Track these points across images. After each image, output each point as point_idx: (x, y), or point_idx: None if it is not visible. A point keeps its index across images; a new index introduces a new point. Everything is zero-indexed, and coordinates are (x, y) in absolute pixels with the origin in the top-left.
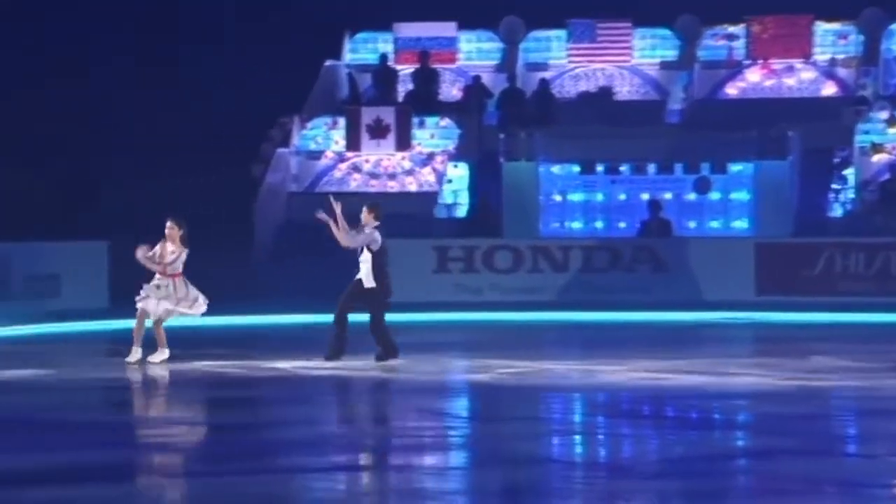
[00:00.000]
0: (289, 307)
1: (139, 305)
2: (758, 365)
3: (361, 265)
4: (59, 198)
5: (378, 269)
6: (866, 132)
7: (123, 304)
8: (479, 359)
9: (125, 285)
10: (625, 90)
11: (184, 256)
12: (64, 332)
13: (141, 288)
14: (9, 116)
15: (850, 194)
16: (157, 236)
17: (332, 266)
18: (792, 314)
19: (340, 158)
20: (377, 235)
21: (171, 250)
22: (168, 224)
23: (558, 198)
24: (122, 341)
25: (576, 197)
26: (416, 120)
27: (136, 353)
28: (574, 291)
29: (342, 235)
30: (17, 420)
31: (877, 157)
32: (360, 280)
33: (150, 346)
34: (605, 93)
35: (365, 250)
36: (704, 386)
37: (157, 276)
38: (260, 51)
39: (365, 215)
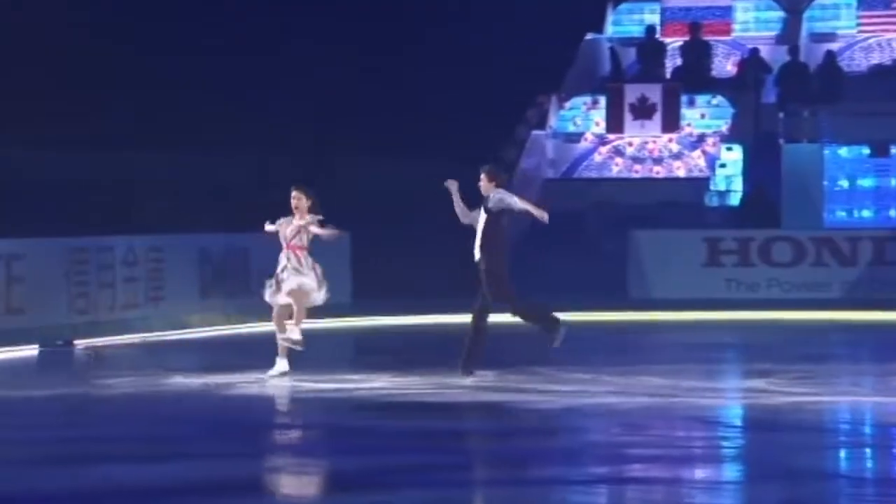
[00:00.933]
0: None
1: (269, 301)
2: None
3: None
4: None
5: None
6: None
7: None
8: (753, 362)
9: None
10: None
11: (313, 229)
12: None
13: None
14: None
15: None
16: (399, 225)
17: (593, 261)
18: None
19: (601, 141)
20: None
21: (296, 225)
22: (294, 194)
23: (845, 183)
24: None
25: (866, 182)
26: (685, 98)
27: (280, 365)
28: (863, 288)
29: (527, 205)
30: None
31: None
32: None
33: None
34: None
35: (483, 212)
36: None
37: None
38: (513, 25)
39: (484, 183)
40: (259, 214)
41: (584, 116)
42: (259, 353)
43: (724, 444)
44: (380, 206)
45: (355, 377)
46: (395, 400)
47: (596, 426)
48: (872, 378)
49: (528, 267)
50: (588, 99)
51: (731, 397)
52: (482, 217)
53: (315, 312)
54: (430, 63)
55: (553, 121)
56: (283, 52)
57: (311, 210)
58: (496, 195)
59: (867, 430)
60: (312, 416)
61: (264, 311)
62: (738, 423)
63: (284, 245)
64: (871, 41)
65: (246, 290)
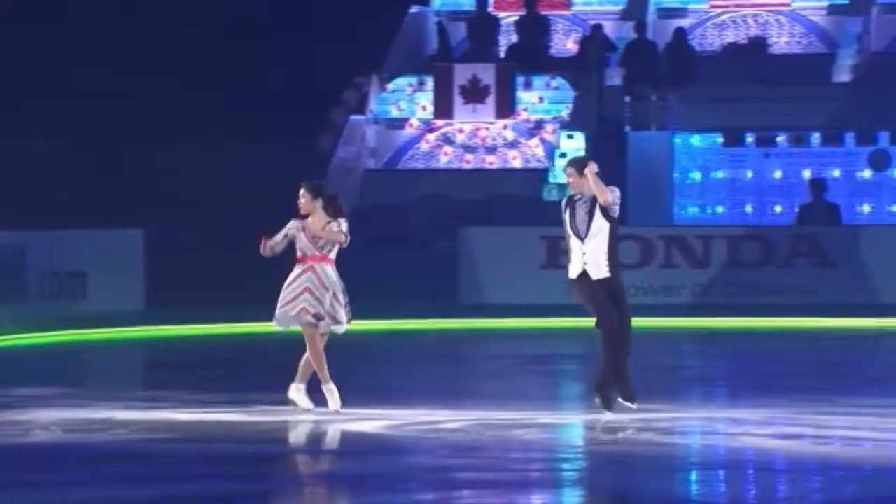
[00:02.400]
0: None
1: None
2: None
3: (586, 245)
4: (84, 180)
5: (614, 248)
6: None
7: (161, 306)
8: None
9: (163, 283)
10: (782, 41)
11: (336, 235)
12: (90, 340)
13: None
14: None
15: None
16: (196, 222)
17: (418, 259)
18: None
19: (427, 128)
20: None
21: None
22: (301, 192)
23: (697, 176)
24: (159, 350)
25: (719, 174)
26: (520, 80)
27: (298, 393)
28: (716, 292)
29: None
30: None
31: None
32: (584, 274)
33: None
34: (758, 45)
35: (598, 215)
36: None
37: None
38: None
39: (575, 179)
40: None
41: (409, 100)
42: (36, 369)
43: (564, 466)
44: (177, 201)
45: (146, 395)
46: (190, 420)
47: (422, 448)
48: (725, 391)
49: (344, 269)
50: (413, 80)
51: (571, 415)
52: (598, 222)
53: (102, 321)
54: (234, 39)
55: (373, 104)
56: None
57: (332, 211)
58: (614, 193)
59: (715, 450)
60: (95, 442)
61: (44, 321)
62: (580, 443)
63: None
64: (724, 17)
65: (22, 297)
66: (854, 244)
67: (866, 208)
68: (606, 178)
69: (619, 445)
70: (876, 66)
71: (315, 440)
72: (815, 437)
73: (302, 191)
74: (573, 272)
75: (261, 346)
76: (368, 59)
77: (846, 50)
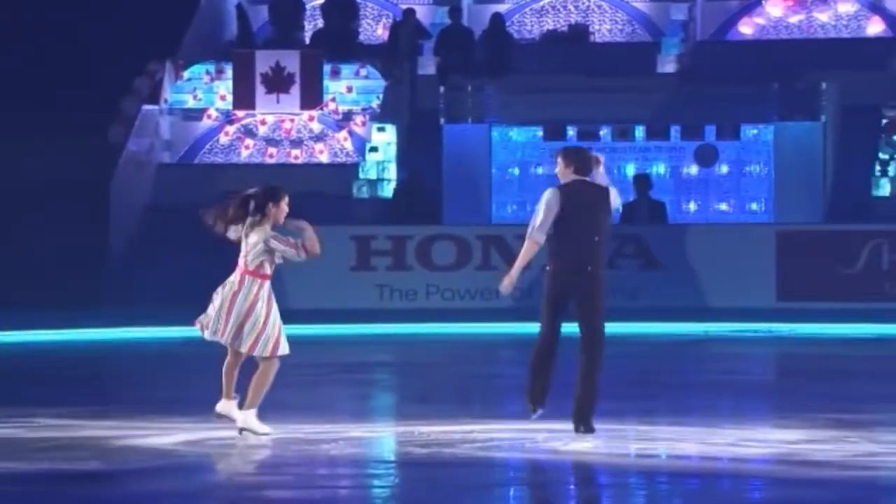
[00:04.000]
0: (156, 317)
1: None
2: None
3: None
4: None
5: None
6: None
7: None
8: (410, 385)
9: None
10: (604, 29)
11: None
12: None
13: None
14: None
15: None
16: None
17: (215, 261)
18: (824, 326)
19: (227, 119)
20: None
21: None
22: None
23: (516, 171)
24: None
25: (540, 170)
26: (327, 68)
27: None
28: (538, 295)
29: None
30: None
31: None
32: None
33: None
34: (579, 33)
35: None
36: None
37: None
38: None
39: (561, 168)
40: None
41: (206, 89)
42: None
43: (374, 483)
44: None
45: None
46: None
47: (221, 465)
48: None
49: (141, 269)
50: (210, 67)
51: (383, 428)
52: (603, 213)
53: None
54: (16, 21)
55: (168, 93)
56: None
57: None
58: (609, 184)
59: (533, 464)
60: None
61: None
62: (391, 458)
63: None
64: (543, 3)
65: None
66: (680, 244)
67: (692, 206)
68: (422, 172)
69: (433, 460)
70: (702, 56)
71: (103, 457)
72: (639, 448)
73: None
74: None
75: (39, 355)
76: (163, 44)
77: (671, 39)
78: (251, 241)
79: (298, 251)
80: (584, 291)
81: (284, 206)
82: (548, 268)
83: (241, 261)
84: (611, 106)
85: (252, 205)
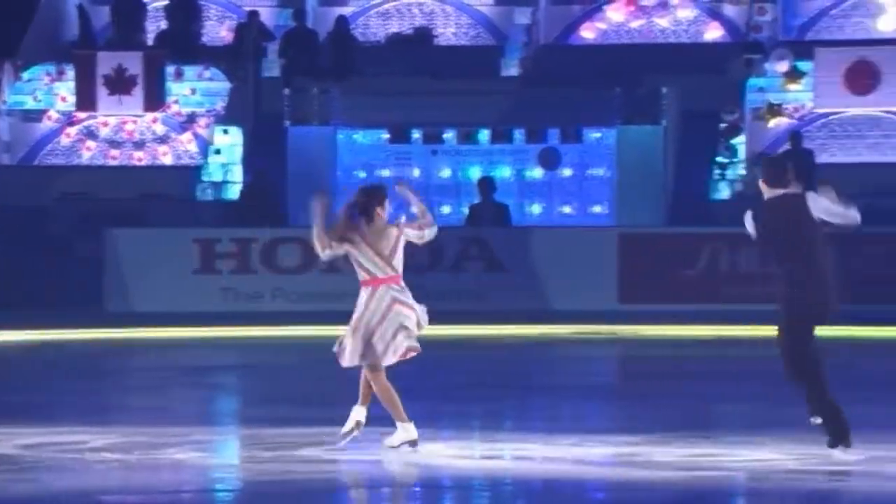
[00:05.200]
0: (7, 320)
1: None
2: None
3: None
4: None
5: None
6: (760, 89)
7: None
8: (255, 389)
9: None
10: (448, 32)
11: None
12: None
13: None
14: None
15: (740, 170)
16: None
17: (59, 264)
18: (665, 327)
19: (68, 121)
20: None
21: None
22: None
23: (361, 174)
24: None
25: (384, 173)
26: (171, 70)
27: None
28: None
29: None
30: None
31: (774, 122)
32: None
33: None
34: (423, 36)
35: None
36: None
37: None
38: None
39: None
40: None
41: (46, 90)
42: None
43: (218, 487)
44: None
45: None
46: None
47: (63, 470)
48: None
49: None
50: (51, 68)
51: (227, 431)
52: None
53: None
54: None
55: (6, 95)
56: None
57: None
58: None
59: (377, 468)
60: None
61: None
62: (236, 462)
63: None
64: (388, 6)
65: None
66: (524, 247)
67: (537, 208)
68: (267, 175)
69: (278, 463)
70: (545, 60)
71: None
72: (483, 450)
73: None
74: None
75: None
76: (2, 44)
77: (515, 42)
78: (387, 246)
79: (431, 224)
80: None
81: (388, 205)
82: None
83: (378, 272)
84: (455, 109)
85: (357, 210)
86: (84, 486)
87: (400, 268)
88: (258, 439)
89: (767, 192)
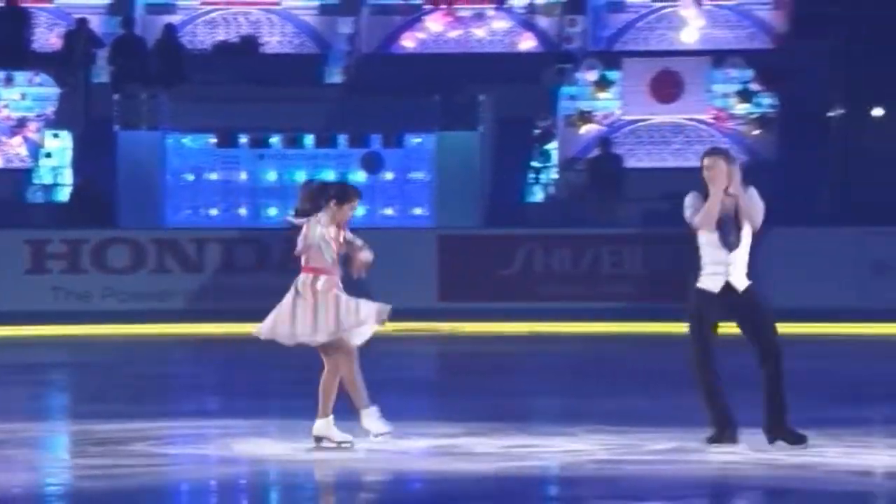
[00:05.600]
0: None
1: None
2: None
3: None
4: None
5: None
6: (571, 97)
7: None
8: (85, 386)
9: None
10: (274, 40)
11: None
12: None
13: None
14: None
15: (553, 175)
16: None
17: None
18: (483, 325)
19: None
20: None
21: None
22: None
23: (190, 177)
24: None
25: (212, 176)
26: (1, 76)
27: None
28: (210, 297)
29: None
30: None
31: (584, 129)
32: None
33: None
34: (249, 44)
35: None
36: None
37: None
38: None
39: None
40: None
41: None
42: None
43: (48, 482)
44: None
45: None
46: None
47: None
48: (218, 400)
49: None
50: None
51: (57, 427)
52: (746, 229)
53: None
54: None
55: None
56: None
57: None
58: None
59: (206, 462)
60: None
61: None
62: (66, 457)
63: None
64: (214, 15)
65: None
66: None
67: (360, 211)
68: (95, 178)
69: (105, 458)
70: (367, 68)
71: None
72: (308, 445)
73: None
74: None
75: None
76: None
77: (338, 51)
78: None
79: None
80: None
81: (348, 209)
82: None
83: (332, 264)
84: (281, 115)
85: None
86: None
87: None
88: (88, 435)
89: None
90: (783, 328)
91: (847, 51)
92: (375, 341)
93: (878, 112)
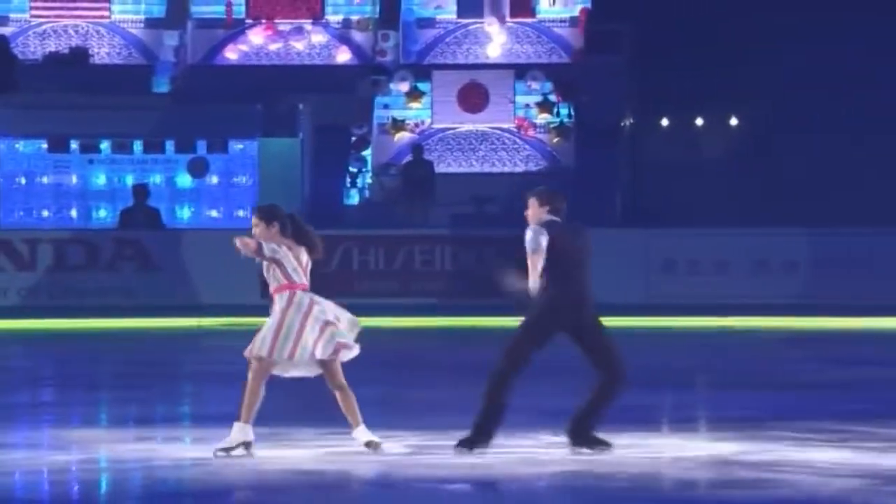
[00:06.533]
0: None
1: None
2: None
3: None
4: None
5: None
6: (385, 106)
7: None
8: None
9: None
10: (103, 52)
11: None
12: None
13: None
14: None
15: (369, 179)
16: None
17: None
18: None
19: None
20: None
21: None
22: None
23: (23, 180)
24: None
25: (44, 179)
26: None
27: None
28: (43, 294)
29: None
30: None
31: (398, 136)
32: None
33: None
34: (79, 55)
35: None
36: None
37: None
38: None
39: (534, 209)
40: None
41: None
42: None
43: None
44: None
45: None
46: None
47: None
48: (53, 393)
49: None
50: None
51: None
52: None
53: None
54: None
55: None
56: None
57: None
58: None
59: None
60: None
61: None
62: None
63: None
64: (45, 27)
65: None
66: (175, 247)
67: (187, 213)
68: None
69: None
70: (193, 78)
71: None
72: (139, 434)
73: (254, 219)
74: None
75: None
76: None
77: (165, 62)
78: (303, 257)
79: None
80: None
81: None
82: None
83: (296, 279)
84: (111, 122)
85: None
86: None
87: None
88: None
89: (545, 217)
90: None
91: (637, 65)
92: (201, 336)
93: (664, 122)
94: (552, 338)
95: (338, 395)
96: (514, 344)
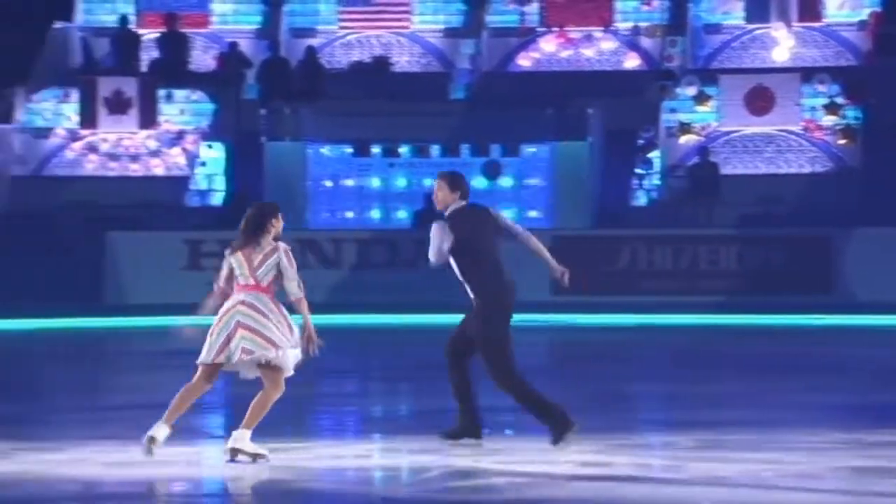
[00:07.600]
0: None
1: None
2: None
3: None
4: None
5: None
6: (673, 110)
7: None
8: None
9: None
10: (403, 60)
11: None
12: None
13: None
14: None
15: (656, 181)
16: None
17: (65, 264)
18: (593, 316)
19: (73, 137)
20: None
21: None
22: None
23: (328, 183)
24: None
25: (348, 182)
26: (162, 93)
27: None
28: (347, 291)
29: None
30: None
31: (685, 139)
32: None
33: None
34: (382, 63)
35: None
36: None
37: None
38: None
39: (445, 193)
40: None
41: (55, 110)
42: None
43: None
44: None
45: None
46: None
47: None
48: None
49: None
50: (59, 92)
51: None
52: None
53: None
54: None
55: (21, 114)
56: None
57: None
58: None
59: None
60: None
61: None
62: None
63: (245, 285)
64: (350, 38)
65: None
66: None
67: None
68: (246, 185)
69: None
70: (488, 85)
71: None
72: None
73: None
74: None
75: None
76: (15, 72)
77: (461, 69)
78: (256, 257)
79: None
80: None
81: (281, 220)
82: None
83: (241, 279)
84: (410, 127)
85: (252, 225)
86: None
87: (266, 281)
88: None
89: (457, 203)
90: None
91: None
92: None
93: None
94: (509, 325)
95: (261, 392)
96: (492, 366)
